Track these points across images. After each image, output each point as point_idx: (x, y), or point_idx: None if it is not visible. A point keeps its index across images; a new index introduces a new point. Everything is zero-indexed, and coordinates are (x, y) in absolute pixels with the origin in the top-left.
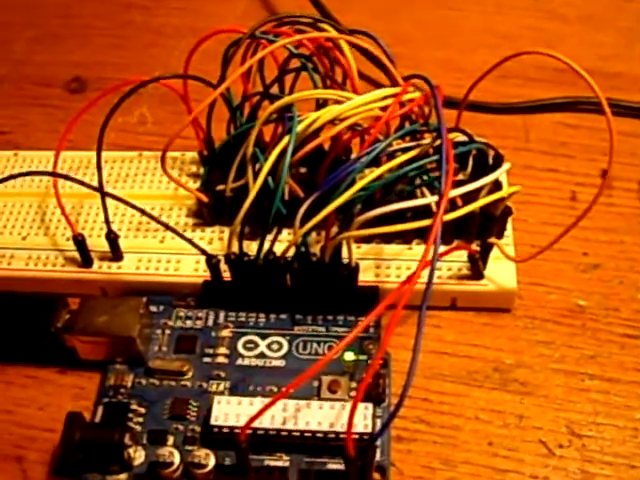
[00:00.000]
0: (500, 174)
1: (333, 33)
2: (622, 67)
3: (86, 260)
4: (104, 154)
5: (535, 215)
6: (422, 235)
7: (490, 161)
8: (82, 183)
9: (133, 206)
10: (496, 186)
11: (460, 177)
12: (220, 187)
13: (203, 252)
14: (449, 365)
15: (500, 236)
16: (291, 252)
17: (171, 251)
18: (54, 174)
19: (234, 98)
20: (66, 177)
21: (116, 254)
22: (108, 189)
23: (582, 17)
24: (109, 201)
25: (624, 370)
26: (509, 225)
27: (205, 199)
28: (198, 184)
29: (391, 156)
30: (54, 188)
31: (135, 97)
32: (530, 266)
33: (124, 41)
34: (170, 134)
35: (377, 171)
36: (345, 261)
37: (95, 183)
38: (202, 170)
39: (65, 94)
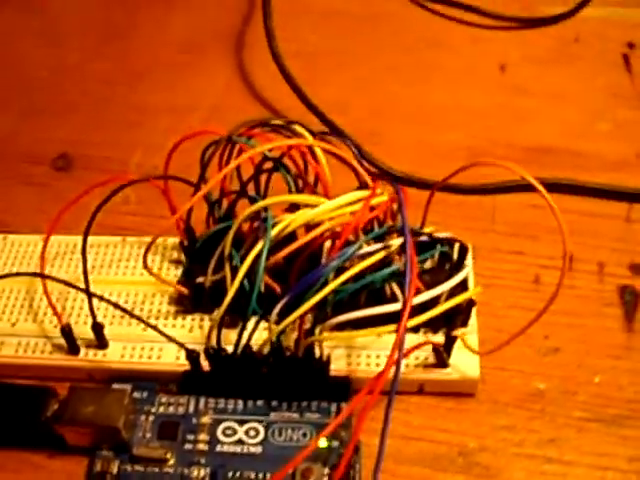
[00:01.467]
0: (461, 278)
1: (308, 139)
2: (586, 146)
3: (73, 348)
4: (89, 238)
5: (500, 298)
6: (393, 322)
7: (455, 254)
8: (69, 284)
9: (116, 305)
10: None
11: (428, 265)
12: (200, 279)
13: (183, 347)
14: (416, 450)
15: (465, 324)
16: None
17: (154, 339)
18: (41, 275)
19: (212, 192)
20: (52, 279)
21: (101, 342)
22: (93, 274)
23: (549, 93)
24: (95, 288)
25: (581, 453)
26: (473, 313)
27: (185, 291)
28: (179, 271)
29: (361, 257)
30: (42, 284)
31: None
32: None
33: (106, 118)
34: (152, 213)
35: (346, 274)
36: (317, 354)
37: (80, 268)
38: (182, 256)
39: (51, 172)
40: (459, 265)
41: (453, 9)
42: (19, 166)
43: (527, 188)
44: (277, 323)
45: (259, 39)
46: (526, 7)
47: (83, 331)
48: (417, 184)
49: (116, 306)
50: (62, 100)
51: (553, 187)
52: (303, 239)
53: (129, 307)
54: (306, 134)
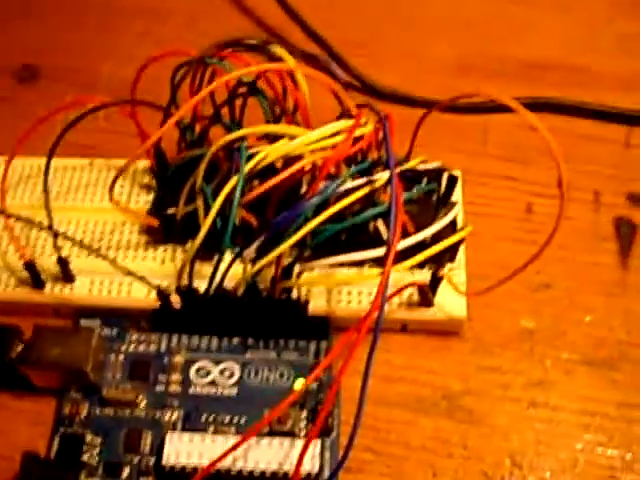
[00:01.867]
0: (450, 219)
1: (288, 63)
2: (588, 60)
3: (38, 283)
4: (54, 161)
5: (490, 229)
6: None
7: (443, 183)
8: (31, 222)
9: (80, 243)
10: (450, 205)
11: (414, 192)
12: (171, 211)
13: (152, 286)
14: (398, 392)
15: (452, 259)
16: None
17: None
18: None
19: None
20: (13, 216)
21: (67, 276)
22: (59, 201)
23: (550, 1)
24: (60, 217)
25: (568, 398)
26: (461, 249)
27: (155, 223)
28: (150, 197)
29: (345, 192)
30: (4, 219)
31: (88, 91)
32: (481, 285)
33: (75, 20)
34: (121, 130)
35: (327, 212)
36: (295, 296)
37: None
38: (153, 182)
39: (14, 84)
40: (447, 196)
41: None
42: None
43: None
44: (253, 261)
45: None
46: None
47: (49, 263)
48: (404, 101)
49: (81, 245)
50: (25, 1)
51: (546, 107)
52: (281, 175)
53: (97, 237)
54: (285, 56)
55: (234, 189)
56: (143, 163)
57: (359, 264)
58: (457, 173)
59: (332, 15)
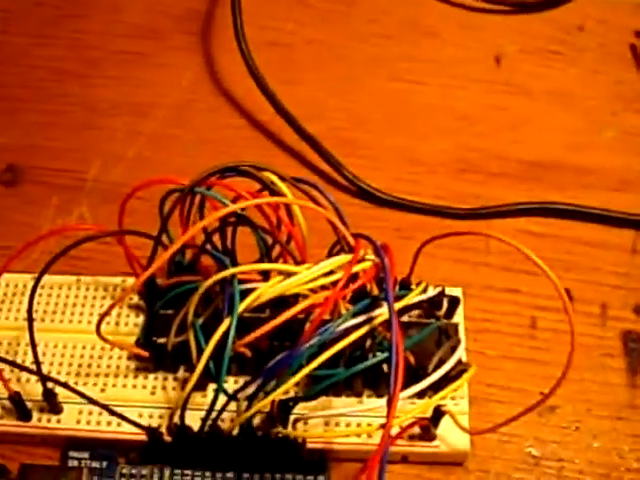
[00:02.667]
0: (456, 360)
1: (285, 196)
2: (592, 159)
3: (24, 414)
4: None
5: (492, 346)
6: (371, 386)
7: (445, 304)
8: (17, 366)
9: (66, 385)
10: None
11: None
12: (161, 341)
13: (141, 427)
14: None
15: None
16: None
17: (113, 402)
18: None
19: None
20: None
21: (55, 408)
22: (45, 322)
23: (549, 92)
24: (46, 339)
25: None
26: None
27: (145, 354)
28: (139, 319)
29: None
30: None
31: (74, 194)
32: (484, 409)
33: (58, 119)
34: (111, 242)
35: (325, 355)
36: (292, 436)
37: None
38: (142, 302)
39: None
40: (449, 316)
41: None
42: None
43: (525, 213)
44: (247, 399)
45: (228, 25)
46: None
47: (35, 391)
48: (402, 207)
49: (67, 387)
50: (6, 96)
51: (551, 211)
52: (278, 319)
53: (85, 362)
54: (278, 183)
55: (227, 331)
56: (132, 280)
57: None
58: (458, 292)
59: (326, 115)
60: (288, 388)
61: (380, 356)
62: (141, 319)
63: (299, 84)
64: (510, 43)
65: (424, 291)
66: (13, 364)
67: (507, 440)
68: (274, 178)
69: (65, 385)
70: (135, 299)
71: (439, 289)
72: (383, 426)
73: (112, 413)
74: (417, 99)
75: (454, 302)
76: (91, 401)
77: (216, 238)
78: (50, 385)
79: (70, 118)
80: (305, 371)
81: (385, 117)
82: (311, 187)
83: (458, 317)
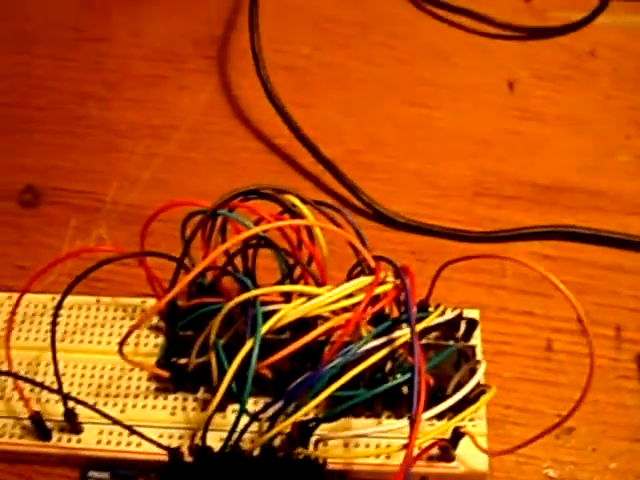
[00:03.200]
0: (476, 382)
1: (306, 218)
2: (604, 183)
3: (44, 434)
4: (58, 297)
5: (508, 368)
6: (391, 407)
7: (462, 325)
8: (38, 385)
9: (85, 404)
10: (470, 351)
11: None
12: (182, 362)
13: (162, 447)
14: None
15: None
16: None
17: (133, 423)
18: (9, 374)
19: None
20: (20, 378)
21: (75, 428)
22: (65, 342)
23: (561, 117)
24: (66, 359)
25: None
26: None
27: (165, 375)
28: (159, 340)
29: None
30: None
31: (92, 215)
32: (502, 431)
33: (77, 141)
34: (129, 263)
35: (347, 376)
36: (312, 457)
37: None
38: (162, 323)
39: (17, 208)
40: (467, 338)
41: (457, 15)
42: None
43: (540, 236)
44: (269, 420)
45: (246, 50)
46: (537, 14)
47: (55, 412)
48: (419, 230)
49: (86, 405)
50: (22, 117)
51: (566, 235)
52: (300, 341)
53: (105, 383)
54: (299, 205)
55: (250, 352)
56: (152, 301)
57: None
58: (475, 315)
59: (342, 138)
60: (309, 410)
61: (401, 378)
62: (161, 340)
63: (315, 107)
64: (523, 68)
65: (442, 313)
66: (34, 383)
67: (525, 462)
68: (296, 201)
69: (85, 404)
70: (155, 320)
71: (457, 311)
72: (405, 446)
73: (133, 432)
74: (432, 123)
75: (472, 324)
76: (112, 420)
77: (237, 260)
78: (71, 405)
79: (89, 140)
80: (326, 393)
81: (401, 141)
82: (332, 210)
83: (475, 339)
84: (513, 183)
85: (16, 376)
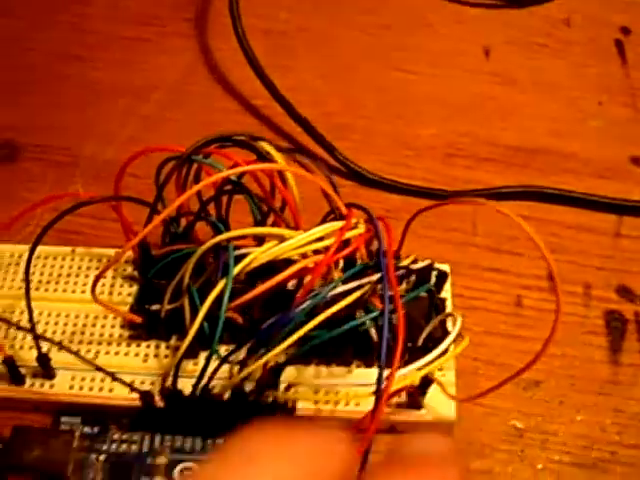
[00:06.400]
0: (457, 333)
1: (280, 162)
2: (576, 146)
3: (17, 378)
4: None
5: (479, 322)
6: (361, 356)
7: (433, 277)
8: (9, 323)
9: (60, 345)
10: (439, 303)
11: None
12: (154, 307)
13: (136, 390)
14: None
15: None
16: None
17: (106, 369)
18: None
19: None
20: None
21: (48, 373)
22: (39, 291)
23: (535, 83)
24: (40, 307)
25: None
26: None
27: (138, 320)
28: (133, 289)
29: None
30: None
31: (69, 171)
32: (470, 382)
33: (57, 99)
34: (104, 216)
35: (317, 319)
36: (281, 400)
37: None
38: (136, 272)
39: None
40: (437, 291)
41: None
42: None
43: (512, 196)
44: (240, 363)
45: (225, 13)
46: None
47: (28, 357)
48: (391, 188)
49: (61, 346)
50: (6, 78)
51: (537, 196)
52: (271, 282)
53: (78, 330)
54: (273, 152)
55: (222, 294)
56: (126, 254)
57: (347, 362)
58: (446, 268)
59: (319, 100)
60: (280, 352)
61: (373, 313)
62: (134, 289)
63: (292, 70)
64: (499, 36)
65: (414, 262)
66: (7, 322)
67: (492, 413)
68: (269, 148)
69: (59, 344)
70: (129, 270)
71: (428, 261)
72: (377, 391)
73: (107, 374)
74: (409, 87)
75: (442, 276)
76: (83, 360)
77: (210, 209)
78: (45, 350)
79: (68, 99)
80: (297, 335)
81: (378, 103)
82: (304, 157)
83: (446, 293)
84: (486, 145)
85: None
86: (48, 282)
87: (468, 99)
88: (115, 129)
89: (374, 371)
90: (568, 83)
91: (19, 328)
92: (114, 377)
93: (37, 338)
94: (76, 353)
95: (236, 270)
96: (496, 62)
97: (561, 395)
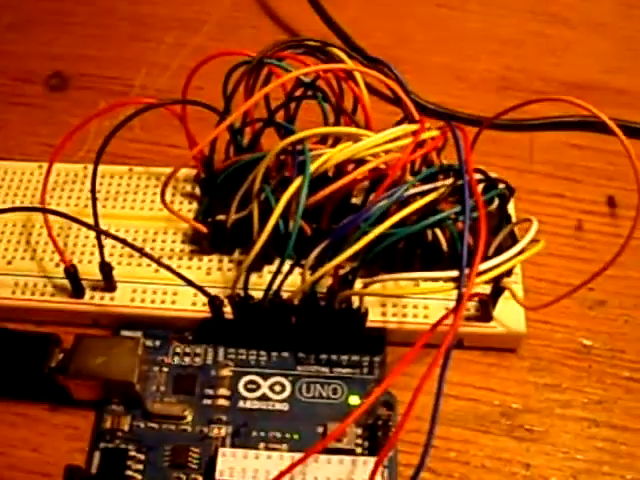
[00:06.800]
0: (532, 236)
1: (349, 64)
2: (628, 82)
3: (77, 290)
4: (90, 167)
5: None
6: (429, 267)
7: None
8: (75, 220)
9: (132, 246)
10: (506, 218)
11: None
12: (220, 217)
13: (205, 293)
14: (455, 409)
15: (509, 274)
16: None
17: (167, 282)
18: (44, 210)
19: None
20: (56, 213)
21: (109, 284)
22: (98, 209)
23: (586, 23)
24: (101, 224)
25: (631, 417)
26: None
27: (204, 230)
28: (194, 206)
29: (406, 199)
30: (43, 219)
31: (121, 99)
32: (535, 300)
33: (107, 31)
34: (159, 141)
35: (394, 218)
36: (355, 306)
37: (83, 200)
38: (197, 190)
39: (45, 91)
40: (502, 208)
41: None
42: (8, 85)
43: (566, 126)
44: (311, 269)
45: None
46: None
47: (88, 271)
48: (449, 117)
49: (128, 244)
50: (56, 9)
51: (593, 126)
52: (350, 176)
53: (138, 245)
54: (345, 58)
55: (299, 190)
56: (185, 172)
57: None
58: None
59: (373, 32)
60: (354, 252)
61: (455, 209)
62: (194, 206)
63: (343, 8)
64: None
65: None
66: (73, 219)
67: (559, 330)
68: (341, 53)
69: (123, 241)
70: (189, 188)
71: (495, 174)
72: (457, 286)
73: (178, 275)
74: (461, 24)
75: (509, 192)
76: (150, 258)
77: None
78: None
79: (118, 31)
80: (375, 232)
81: (430, 38)
82: (377, 64)
83: (510, 210)
84: (539, 80)
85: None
86: (106, 199)
87: (518, 36)
88: (165, 59)
89: (442, 284)
90: (617, 23)
91: (89, 227)
92: (186, 280)
93: (100, 234)
94: (137, 248)
95: (313, 167)
96: (545, 2)
97: (626, 314)
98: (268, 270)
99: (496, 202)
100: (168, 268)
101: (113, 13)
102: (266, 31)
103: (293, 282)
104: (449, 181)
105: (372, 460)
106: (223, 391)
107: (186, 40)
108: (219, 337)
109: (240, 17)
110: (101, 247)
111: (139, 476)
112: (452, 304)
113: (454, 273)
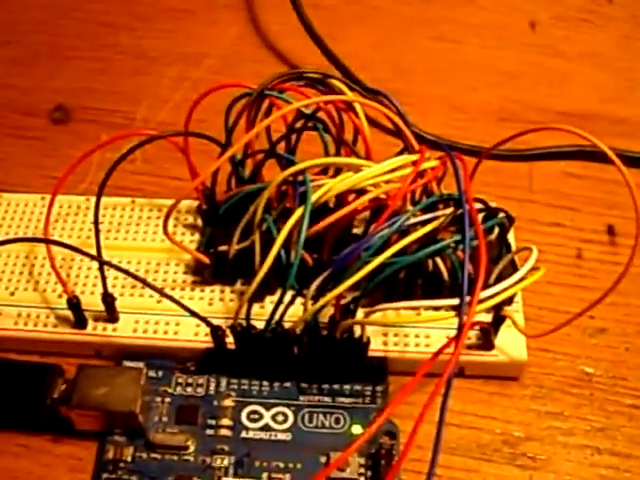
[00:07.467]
0: (531, 265)
1: (349, 95)
2: (626, 112)
3: (80, 321)
4: (93, 199)
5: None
6: (430, 296)
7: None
8: (79, 251)
9: (135, 277)
10: (507, 247)
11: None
12: (222, 248)
13: (208, 323)
14: (457, 437)
15: (510, 302)
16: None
17: (169, 312)
18: (47, 241)
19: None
20: (60, 244)
21: (112, 315)
22: (101, 240)
23: (583, 54)
24: (103, 255)
25: (633, 444)
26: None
27: (206, 260)
28: (196, 237)
29: (406, 229)
30: (46, 250)
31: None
32: (536, 329)
33: (109, 65)
34: (161, 173)
35: (396, 246)
36: (357, 335)
37: (86, 232)
38: (198, 221)
39: (48, 124)
40: (502, 237)
41: None
42: (12, 118)
43: (564, 155)
44: (313, 299)
45: None
46: None
47: (90, 302)
48: (449, 148)
49: (131, 275)
50: (58, 44)
51: (591, 155)
52: (351, 206)
53: (141, 276)
54: (345, 89)
55: (300, 220)
56: (187, 203)
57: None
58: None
59: (373, 65)
60: (355, 282)
61: (456, 237)
62: (196, 237)
63: (343, 41)
64: (543, 11)
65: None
66: (77, 250)
67: (560, 358)
68: (341, 85)
69: (127, 272)
70: (190, 219)
71: (495, 204)
72: (458, 313)
73: (181, 305)
74: (458, 56)
75: (509, 221)
76: (152, 288)
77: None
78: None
79: (120, 65)
80: (377, 260)
81: (428, 71)
82: (375, 95)
83: (510, 239)
84: (538, 110)
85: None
86: (108, 231)
87: (516, 68)
88: (167, 93)
89: (443, 312)
90: (614, 54)
91: (92, 258)
92: (188, 310)
93: (101, 263)
94: (142, 280)
95: (314, 197)
96: (542, 35)
97: (627, 342)
98: (270, 300)
99: (496, 231)
100: (171, 298)
101: (115, 47)
102: (267, 64)
103: (295, 312)
104: (449, 210)
105: None
106: (226, 421)
107: (188, 74)
108: (221, 367)
109: (241, 51)
110: (104, 278)
111: None
112: (453, 333)
113: (455, 301)
